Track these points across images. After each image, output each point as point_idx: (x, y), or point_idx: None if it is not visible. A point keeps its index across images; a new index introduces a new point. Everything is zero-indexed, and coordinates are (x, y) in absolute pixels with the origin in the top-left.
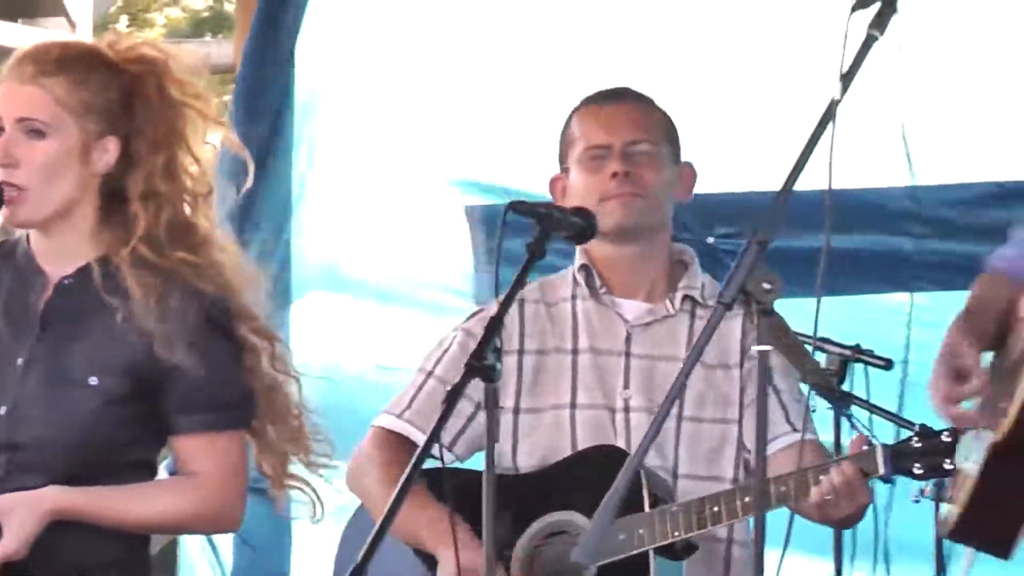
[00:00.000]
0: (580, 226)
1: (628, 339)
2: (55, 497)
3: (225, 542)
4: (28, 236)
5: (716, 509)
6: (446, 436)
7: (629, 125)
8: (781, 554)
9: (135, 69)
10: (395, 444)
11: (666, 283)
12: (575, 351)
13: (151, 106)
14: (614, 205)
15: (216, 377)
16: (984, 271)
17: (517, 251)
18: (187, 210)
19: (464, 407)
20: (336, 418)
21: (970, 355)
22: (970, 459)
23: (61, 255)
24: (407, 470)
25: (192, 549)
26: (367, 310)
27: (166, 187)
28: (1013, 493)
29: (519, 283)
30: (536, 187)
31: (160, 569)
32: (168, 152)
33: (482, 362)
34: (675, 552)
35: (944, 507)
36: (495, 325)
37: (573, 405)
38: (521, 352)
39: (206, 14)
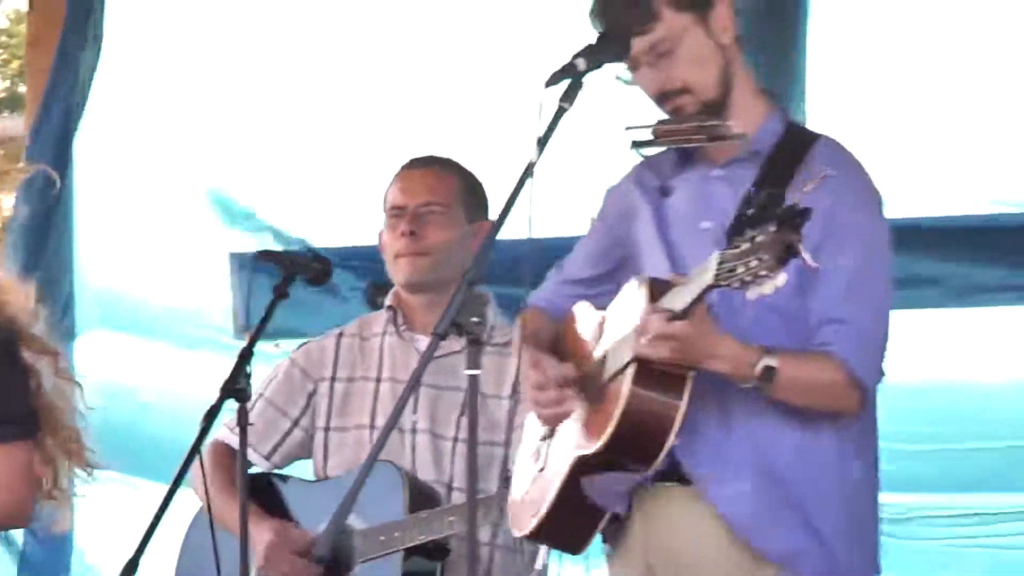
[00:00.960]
0: (317, 270)
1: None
2: None
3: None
4: None
5: (452, 519)
6: (265, 447)
7: (424, 189)
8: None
9: None
10: (225, 452)
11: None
12: (378, 379)
13: None
14: (403, 262)
15: (2, 397)
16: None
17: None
18: None
19: (282, 423)
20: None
21: (550, 369)
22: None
23: None
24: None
25: None
26: (139, 344)
27: None
28: (584, 498)
29: (266, 319)
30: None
31: None
32: None
33: (235, 385)
34: (429, 553)
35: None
36: (246, 355)
37: (372, 426)
38: (333, 379)
39: (3, 95)
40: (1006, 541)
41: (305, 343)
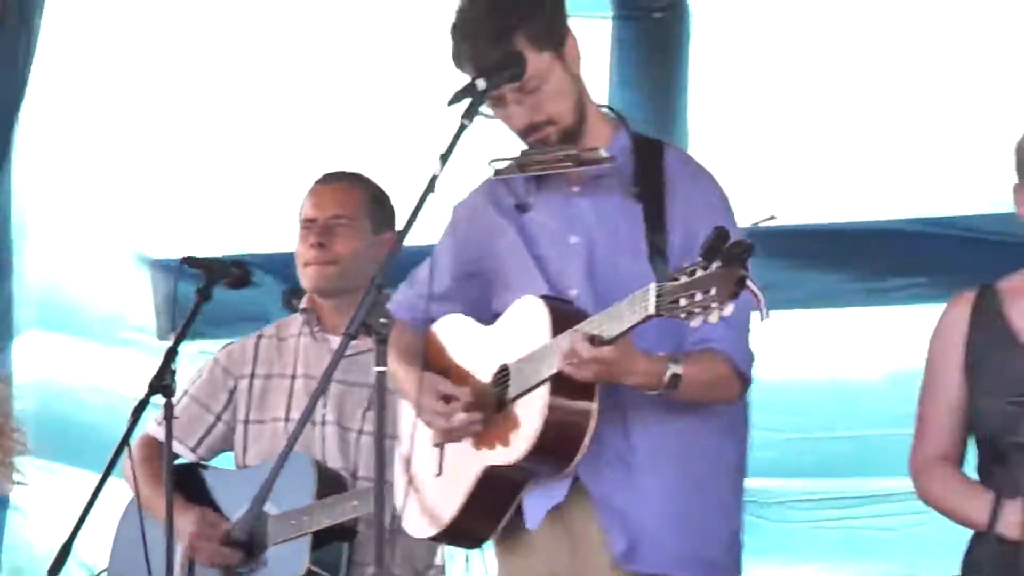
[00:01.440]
0: (237, 275)
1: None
2: None
3: None
4: None
5: (355, 503)
6: (191, 440)
7: (333, 203)
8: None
9: None
10: (153, 445)
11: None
12: (293, 376)
13: None
14: (311, 271)
15: None
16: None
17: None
18: None
19: (206, 418)
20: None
21: (450, 389)
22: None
23: None
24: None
25: None
26: (74, 344)
27: None
28: (494, 501)
29: (190, 321)
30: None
31: None
32: None
33: (161, 382)
34: (337, 535)
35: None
36: (171, 355)
37: (287, 419)
38: (252, 376)
39: None
40: (863, 523)
41: (228, 344)
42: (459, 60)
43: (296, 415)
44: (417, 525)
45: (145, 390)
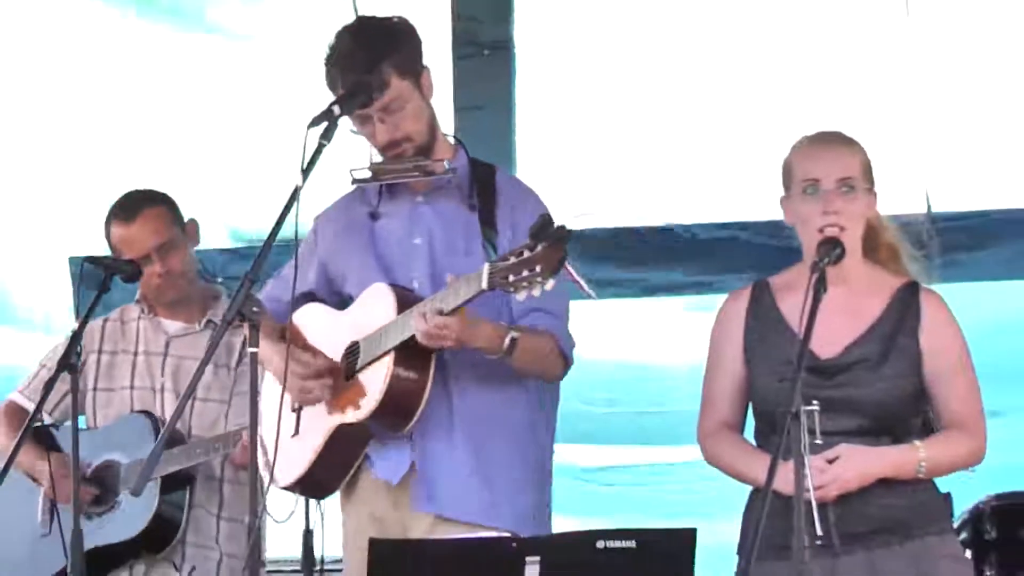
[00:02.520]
0: (128, 271)
1: (167, 345)
2: None
3: None
4: None
5: (199, 451)
6: (48, 406)
7: (152, 234)
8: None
9: None
10: (16, 410)
11: (199, 311)
12: (135, 352)
13: None
14: (157, 289)
15: None
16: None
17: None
18: None
19: (61, 388)
20: None
21: (310, 362)
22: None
23: None
24: (22, 430)
25: None
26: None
27: None
28: (342, 455)
29: (91, 309)
30: None
31: None
32: None
33: (68, 360)
34: (180, 481)
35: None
36: (77, 337)
37: (132, 387)
38: (100, 352)
39: None
40: (672, 487)
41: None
42: (333, 86)
43: (139, 383)
44: (278, 477)
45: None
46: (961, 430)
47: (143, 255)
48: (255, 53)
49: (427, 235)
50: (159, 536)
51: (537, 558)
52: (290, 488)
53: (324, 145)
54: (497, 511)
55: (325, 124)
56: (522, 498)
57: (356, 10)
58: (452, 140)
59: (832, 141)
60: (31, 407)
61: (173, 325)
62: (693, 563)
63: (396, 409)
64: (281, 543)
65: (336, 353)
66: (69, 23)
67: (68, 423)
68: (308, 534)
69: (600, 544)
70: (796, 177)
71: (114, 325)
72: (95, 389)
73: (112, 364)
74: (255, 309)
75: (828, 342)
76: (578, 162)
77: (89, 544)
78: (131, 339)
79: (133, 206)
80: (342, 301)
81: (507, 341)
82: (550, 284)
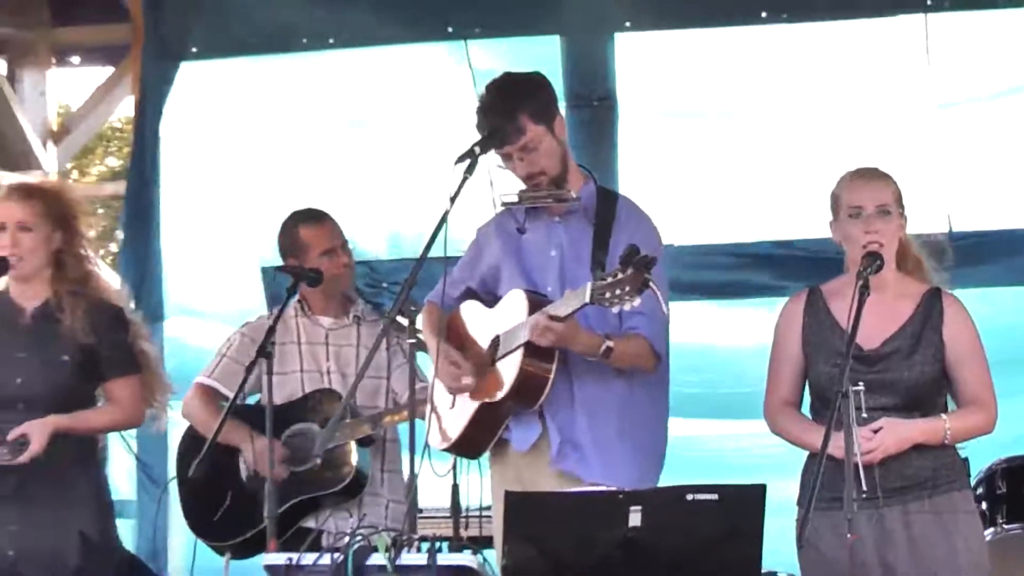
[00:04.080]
0: (311, 277)
1: (326, 336)
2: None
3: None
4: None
5: (376, 420)
6: (233, 387)
7: (338, 233)
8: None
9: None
10: (207, 391)
11: (343, 310)
12: (298, 343)
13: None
14: (346, 278)
15: (122, 349)
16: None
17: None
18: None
19: (240, 372)
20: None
21: (456, 357)
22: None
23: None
24: (228, 405)
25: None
26: (203, 325)
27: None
28: (487, 426)
29: (283, 307)
30: None
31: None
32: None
33: (265, 349)
34: (362, 443)
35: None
36: (271, 331)
37: (301, 371)
38: (273, 344)
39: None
40: (741, 453)
41: (247, 322)
42: (480, 129)
43: (307, 367)
44: (435, 438)
45: (242, 352)
46: (977, 405)
47: (331, 249)
48: (405, 89)
49: (559, 249)
50: (353, 488)
51: (639, 507)
52: (447, 450)
53: (467, 178)
54: (613, 471)
55: (468, 161)
56: (632, 462)
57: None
58: (583, 171)
59: (871, 176)
60: (220, 388)
61: (326, 320)
62: (763, 512)
63: (526, 392)
64: (435, 495)
65: (484, 342)
66: (269, 84)
67: (250, 400)
68: (455, 488)
69: (689, 497)
70: (843, 204)
71: (280, 320)
72: (270, 373)
73: (283, 353)
74: (412, 308)
75: (869, 337)
76: (667, 189)
77: (295, 497)
78: (292, 333)
79: (318, 213)
80: (494, 299)
81: (603, 348)
82: (637, 301)
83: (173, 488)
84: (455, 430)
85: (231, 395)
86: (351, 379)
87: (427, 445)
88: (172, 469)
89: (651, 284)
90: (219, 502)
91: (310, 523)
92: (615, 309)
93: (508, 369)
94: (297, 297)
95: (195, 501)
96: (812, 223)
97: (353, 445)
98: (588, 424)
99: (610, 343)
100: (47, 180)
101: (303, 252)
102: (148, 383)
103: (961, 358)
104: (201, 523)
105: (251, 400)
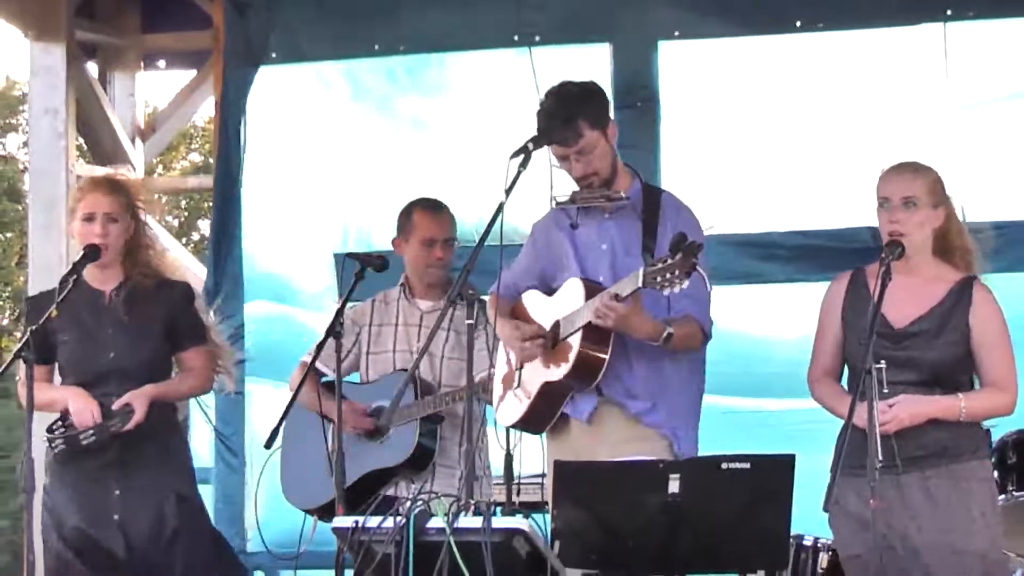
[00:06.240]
0: (379, 264)
1: (421, 319)
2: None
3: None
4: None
5: (445, 399)
6: (333, 365)
7: (453, 225)
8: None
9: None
10: (306, 367)
11: (440, 293)
12: (396, 325)
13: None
14: (433, 272)
15: (194, 323)
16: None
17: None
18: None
19: (346, 347)
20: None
21: (527, 329)
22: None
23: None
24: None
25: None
26: (273, 307)
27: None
28: (549, 403)
29: (350, 292)
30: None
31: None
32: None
33: (335, 329)
34: (433, 419)
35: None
36: (339, 313)
37: (394, 351)
38: (370, 325)
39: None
40: (771, 429)
41: (353, 305)
42: (540, 126)
43: (400, 347)
44: (503, 417)
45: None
46: (997, 387)
47: (431, 240)
48: (470, 93)
49: (610, 242)
50: (420, 460)
51: (678, 475)
52: (513, 426)
53: (521, 172)
54: (666, 426)
55: (522, 156)
56: (680, 425)
57: (535, 72)
58: (628, 170)
59: (901, 169)
60: (320, 366)
61: (425, 304)
62: (793, 481)
63: (584, 372)
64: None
65: (546, 325)
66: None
67: (353, 377)
68: (508, 457)
69: (724, 466)
70: (878, 196)
71: (380, 304)
72: (368, 353)
73: (379, 334)
74: (471, 291)
75: (900, 315)
76: (706, 184)
77: (369, 467)
78: (392, 314)
79: (436, 203)
80: (551, 289)
81: (665, 334)
82: (685, 284)
83: (251, 459)
84: (520, 408)
85: (331, 371)
86: (438, 359)
87: (495, 421)
88: (249, 440)
89: (698, 267)
90: (310, 470)
91: (391, 491)
92: (666, 292)
93: (567, 351)
94: (401, 280)
95: (292, 468)
96: (837, 215)
97: (417, 423)
98: (645, 395)
99: (671, 329)
100: (123, 175)
101: (408, 234)
102: (213, 352)
103: (985, 343)
104: (292, 488)
105: (353, 378)
